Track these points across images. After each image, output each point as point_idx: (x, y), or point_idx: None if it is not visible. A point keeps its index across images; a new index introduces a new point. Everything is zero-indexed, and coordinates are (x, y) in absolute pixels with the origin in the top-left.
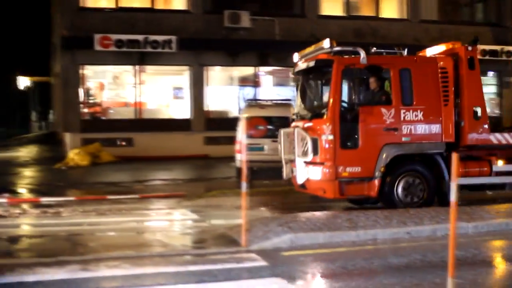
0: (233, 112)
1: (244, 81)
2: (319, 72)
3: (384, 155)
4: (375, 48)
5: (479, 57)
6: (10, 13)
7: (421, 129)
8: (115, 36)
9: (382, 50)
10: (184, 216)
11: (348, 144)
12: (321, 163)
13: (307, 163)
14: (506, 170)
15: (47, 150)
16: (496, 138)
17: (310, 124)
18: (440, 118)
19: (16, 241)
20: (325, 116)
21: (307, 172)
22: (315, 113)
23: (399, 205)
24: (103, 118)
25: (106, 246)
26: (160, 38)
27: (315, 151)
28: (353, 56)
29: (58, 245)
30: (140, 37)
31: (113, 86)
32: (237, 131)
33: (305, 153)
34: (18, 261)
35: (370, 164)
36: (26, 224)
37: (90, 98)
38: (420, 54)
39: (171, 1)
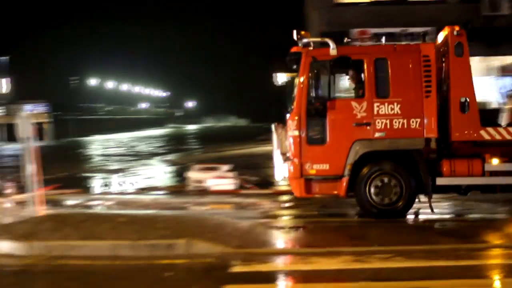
0: (493, 104)
1: (505, 71)
2: (294, 65)
3: (353, 152)
4: (346, 39)
5: None
6: (264, 11)
7: (398, 123)
8: (372, 30)
9: (357, 40)
10: None
11: (316, 140)
12: (289, 160)
13: (283, 160)
14: (501, 170)
15: None
16: (489, 133)
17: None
18: (421, 112)
19: (288, 230)
20: (291, 111)
21: (283, 169)
22: (290, 108)
23: (372, 207)
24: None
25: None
26: (416, 30)
27: (285, 147)
28: (323, 47)
29: (329, 236)
30: (396, 30)
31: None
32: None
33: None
34: (294, 250)
35: (339, 162)
36: (292, 215)
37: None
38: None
39: None
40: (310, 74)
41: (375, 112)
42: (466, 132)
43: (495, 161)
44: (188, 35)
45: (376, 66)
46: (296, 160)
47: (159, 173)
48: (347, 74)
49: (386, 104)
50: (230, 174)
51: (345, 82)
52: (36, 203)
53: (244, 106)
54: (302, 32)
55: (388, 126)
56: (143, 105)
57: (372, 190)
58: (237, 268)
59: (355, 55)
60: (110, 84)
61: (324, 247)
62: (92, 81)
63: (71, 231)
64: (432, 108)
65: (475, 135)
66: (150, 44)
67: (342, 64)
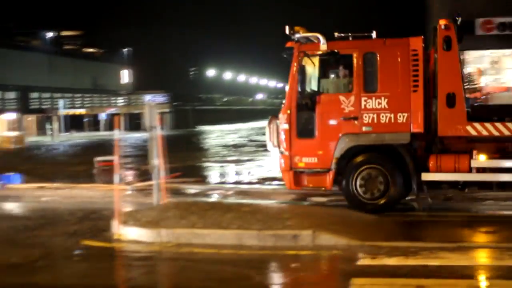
0: None
1: None
2: (288, 60)
3: (339, 146)
4: (337, 33)
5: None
6: (387, 8)
7: (385, 118)
8: (497, 20)
9: (349, 34)
10: None
11: (305, 133)
12: (281, 153)
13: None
14: (489, 167)
15: None
16: (475, 128)
17: None
18: (408, 106)
19: (421, 225)
20: (283, 105)
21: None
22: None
23: (357, 201)
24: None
25: None
26: None
27: (278, 141)
28: (314, 42)
29: (455, 231)
30: None
31: (492, 71)
32: None
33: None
34: (421, 245)
35: (327, 155)
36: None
37: (471, 83)
38: None
39: None
40: (301, 69)
41: (363, 107)
42: (452, 127)
43: (482, 157)
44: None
45: (365, 61)
46: (286, 153)
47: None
48: (337, 69)
49: (373, 99)
50: None
51: (335, 76)
52: (161, 191)
53: None
54: (296, 28)
55: (375, 121)
56: (260, 96)
57: (358, 183)
58: (364, 261)
59: (344, 49)
60: (227, 75)
61: (454, 242)
62: (210, 72)
63: (196, 219)
64: (419, 103)
65: (462, 130)
66: (267, 36)
67: (331, 59)
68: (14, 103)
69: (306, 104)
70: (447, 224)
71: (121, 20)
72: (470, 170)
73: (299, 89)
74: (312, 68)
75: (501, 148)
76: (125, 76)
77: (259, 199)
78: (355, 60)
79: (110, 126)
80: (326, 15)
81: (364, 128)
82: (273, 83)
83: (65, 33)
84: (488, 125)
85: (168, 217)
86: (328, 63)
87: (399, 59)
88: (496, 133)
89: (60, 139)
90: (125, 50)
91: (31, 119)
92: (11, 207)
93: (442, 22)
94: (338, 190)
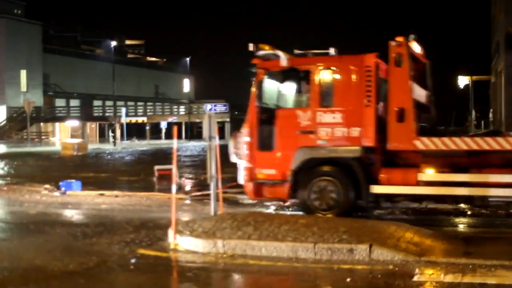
0: None
1: None
2: (252, 76)
3: (295, 159)
4: (297, 51)
5: None
6: (451, 15)
7: (339, 132)
8: None
9: (309, 52)
10: None
11: (265, 146)
12: (243, 165)
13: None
14: (436, 180)
15: None
16: (423, 143)
17: None
18: (360, 121)
19: (479, 241)
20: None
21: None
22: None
23: (311, 212)
24: None
25: None
26: None
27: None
28: (275, 59)
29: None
30: None
31: None
32: None
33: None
34: (479, 262)
35: (285, 167)
36: (472, 224)
37: None
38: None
39: None
40: (262, 84)
41: (318, 121)
42: (401, 141)
43: (429, 171)
44: (361, 37)
45: (321, 77)
46: (248, 165)
47: None
48: (296, 84)
49: (328, 113)
50: None
51: (294, 92)
52: (218, 201)
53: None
54: (260, 45)
55: (330, 135)
56: None
57: (312, 195)
58: (421, 277)
59: (302, 66)
60: None
61: None
62: None
63: (252, 230)
64: (371, 118)
65: (410, 144)
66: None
67: (290, 75)
68: (78, 111)
69: (266, 118)
70: (506, 241)
71: (182, 30)
72: (417, 183)
73: (260, 104)
74: (273, 84)
75: (452, 163)
76: (186, 84)
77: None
78: (312, 76)
79: (170, 134)
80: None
81: (319, 142)
82: None
83: (128, 42)
84: (436, 140)
85: (224, 228)
86: (287, 79)
87: (353, 76)
88: (443, 148)
89: (121, 146)
90: (186, 59)
91: (93, 126)
92: (71, 213)
93: (399, 40)
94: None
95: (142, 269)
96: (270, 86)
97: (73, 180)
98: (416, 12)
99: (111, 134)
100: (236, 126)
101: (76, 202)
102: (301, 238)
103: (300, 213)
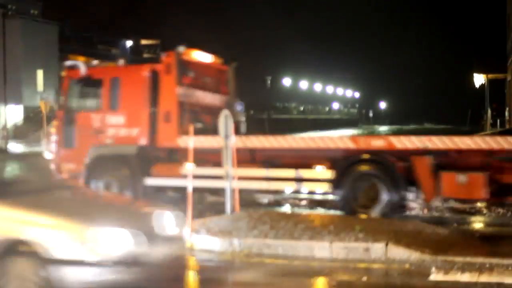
0: None
1: None
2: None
3: (88, 155)
4: (96, 61)
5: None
6: (466, 12)
7: (122, 132)
8: None
9: (103, 62)
10: None
11: (67, 144)
12: (53, 159)
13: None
14: (196, 174)
15: None
16: (184, 141)
17: None
18: (139, 122)
19: (496, 239)
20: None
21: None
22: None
23: None
24: None
25: None
26: None
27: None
28: (77, 68)
29: None
30: None
31: None
32: None
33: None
34: (496, 261)
35: (82, 162)
36: (491, 223)
37: None
38: None
39: None
40: (67, 91)
41: (107, 123)
42: (167, 139)
43: (189, 166)
44: (379, 39)
45: (111, 84)
46: (55, 160)
47: None
48: (93, 90)
49: (115, 116)
50: None
51: (91, 97)
52: (234, 200)
53: (428, 108)
54: (71, 56)
55: (115, 135)
56: (336, 106)
57: (103, 187)
58: (437, 277)
59: (97, 74)
60: (303, 84)
61: None
62: (287, 81)
63: (267, 229)
64: (146, 119)
65: (174, 142)
66: (344, 45)
67: (88, 82)
68: None
69: (69, 120)
70: None
71: (198, 29)
72: (182, 176)
73: (65, 107)
74: (76, 90)
75: (211, 159)
76: None
77: (333, 210)
78: (103, 84)
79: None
80: (393, 30)
81: (107, 141)
82: (349, 93)
83: (144, 42)
84: (194, 138)
85: (240, 226)
86: (86, 86)
87: (134, 83)
88: (199, 145)
89: None
90: None
91: None
92: None
93: (168, 52)
94: None
95: (159, 267)
96: (74, 91)
97: None
98: (432, 11)
99: None
100: (255, 125)
101: None
102: (318, 237)
103: (318, 212)
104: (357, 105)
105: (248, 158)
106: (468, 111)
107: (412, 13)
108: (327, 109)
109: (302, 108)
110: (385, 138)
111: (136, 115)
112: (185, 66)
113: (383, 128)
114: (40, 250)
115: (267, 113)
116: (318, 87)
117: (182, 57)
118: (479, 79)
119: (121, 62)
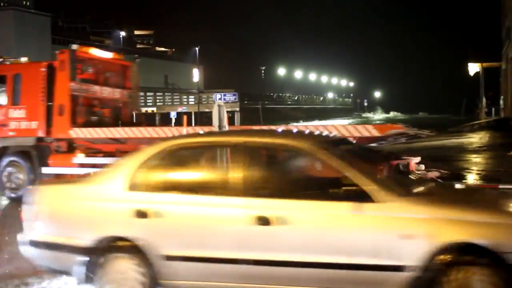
0: None
1: None
2: None
3: None
4: (1, 59)
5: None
6: (460, 1)
7: (23, 125)
8: None
9: (8, 59)
10: None
11: None
12: None
13: None
14: (85, 163)
15: (498, 137)
16: (75, 132)
17: None
18: (37, 115)
19: None
20: None
21: None
22: None
23: (8, 192)
24: None
25: None
26: None
27: None
28: None
29: None
30: None
31: None
32: None
33: None
34: None
35: None
36: None
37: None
38: None
39: None
40: None
41: (10, 116)
42: (61, 131)
43: (80, 156)
44: (373, 28)
45: (14, 80)
46: None
47: None
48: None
49: (17, 110)
50: (422, 166)
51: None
52: None
53: (423, 98)
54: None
55: (17, 127)
56: (330, 95)
57: (5, 177)
58: None
59: (1, 71)
60: (298, 74)
61: None
62: (281, 71)
63: None
64: (43, 112)
65: (66, 134)
66: (338, 35)
67: None
68: None
69: None
70: None
71: (192, 20)
72: (74, 165)
73: None
74: None
75: (101, 149)
76: (196, 74)
77: None
78: (7, 80)
79: (180, 124)
80: (388, 21)
81: (10, 133)
82: (344, 82)
83: (137, 32)
84: (84, 130)
85: None
86: None
87: (33, 79)
88: (88, 136)
89: None
90: (195, 48)
91: None
92: None
93: (62, 50)
94: None
95: None
96: None
97: None
98: (426, 1)
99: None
100: (249, 115)
101: None
102: None
103: None
104: (351, 95)
105: None
106: (463, 100)
107: (407, 3)
108: (321, 98)
109: (296, 98)
110: None
111: (35, 108)
112: (81, 62)
113: (378, 117)
114: None
115: (261, 103)
116: (312, 77)
117: (77, 54)
118: (473, 68)
119: (23, 59)
